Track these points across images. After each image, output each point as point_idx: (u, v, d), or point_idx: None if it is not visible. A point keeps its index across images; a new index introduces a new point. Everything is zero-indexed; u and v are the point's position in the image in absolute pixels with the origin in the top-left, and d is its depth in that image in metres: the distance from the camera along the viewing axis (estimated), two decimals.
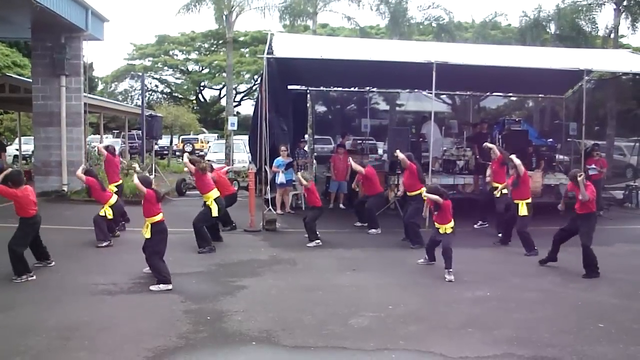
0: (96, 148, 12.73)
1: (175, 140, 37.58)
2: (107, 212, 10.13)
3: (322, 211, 10.95)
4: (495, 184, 11.31)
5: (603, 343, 5.87)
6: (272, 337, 5.89)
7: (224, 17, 24.48)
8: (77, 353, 5.42)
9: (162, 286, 7.49)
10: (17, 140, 25.25)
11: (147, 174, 9.54)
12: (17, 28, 16.88)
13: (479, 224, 12.33)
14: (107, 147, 12.16)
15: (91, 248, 9.89)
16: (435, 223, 8.80)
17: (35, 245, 8.42)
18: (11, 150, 27.16)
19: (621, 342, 5.91)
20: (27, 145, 24.99)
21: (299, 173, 11.70)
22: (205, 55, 50.16)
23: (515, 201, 10.07)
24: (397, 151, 10.98)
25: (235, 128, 19.58)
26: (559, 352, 5.58)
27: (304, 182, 10.73)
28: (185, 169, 11.06)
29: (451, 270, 8.29)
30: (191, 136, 38.47)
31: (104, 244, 9.98)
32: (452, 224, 8.60)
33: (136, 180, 7.88)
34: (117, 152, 12.11)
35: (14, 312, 6.54)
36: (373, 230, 11.64)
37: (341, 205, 15.05)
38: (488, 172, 11.55)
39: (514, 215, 10.19)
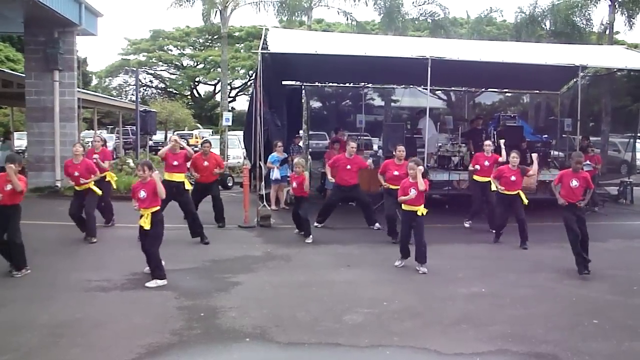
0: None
1: (169, 136, 37.44)
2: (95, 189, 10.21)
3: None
4: (481, 178, 11.40)
5: (598, 339, 5.87)
6: (266, 334, 5.86)
7: (216, 12, 24.40)
8: (70, 350, 5.38)
9: (159, 282, 7.45)
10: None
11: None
12: (10, 22, 16.76)
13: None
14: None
15: (84, 244, 9.84)
16: (408, 206, 8.47)
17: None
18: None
19: (615, 338, 5.90)
20: (21, 141, 24.93)
21: (296, 159, 11.56)
22: (200, 51, 49.99)
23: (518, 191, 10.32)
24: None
25: (230, 124, 19.49)
26: (554, 348, 5.58)
27: (299, 169, 10.61)
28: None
29: (425, 263, 8.41)
30: (186, 132, 38.38)
31: (95, 239, 9.93)
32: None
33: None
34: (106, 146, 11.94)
35: (5, 309, 6.49)
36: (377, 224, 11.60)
37: None
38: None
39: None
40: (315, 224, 11.54)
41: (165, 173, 10.17)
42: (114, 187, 11.75)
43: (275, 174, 13.48)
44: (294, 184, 10.69)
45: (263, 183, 12.74)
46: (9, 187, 7.61)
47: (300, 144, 16.95)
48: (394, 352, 5.51)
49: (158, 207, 7.61)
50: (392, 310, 6.68)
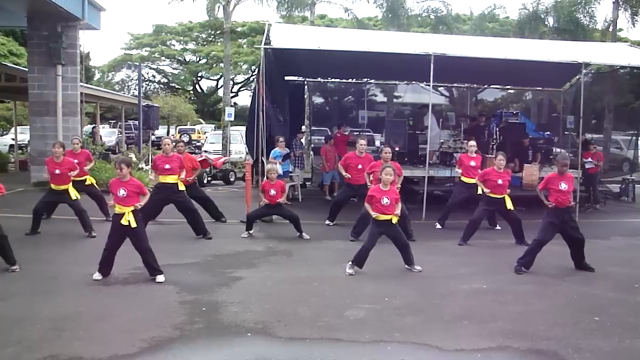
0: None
1: (172, 131, 37.51)
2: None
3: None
4: (468, 180, 11.23)
5: (598, 336, 5.87)
6: (267, 329, 5.87)
7: (219, 7, 24.39)
8: (71, 343, 5.40)
9: (163, 275, 7.48)
10: (13, 130, 25.17)
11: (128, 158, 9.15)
12: (13, 16, 16.77)
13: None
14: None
15: (85, 238, 9.86)
16: (381, 215, 8.02)
17: None
18: (7, 139, 27.14)
19: (616, 335, 5.90)
20: (23, 135, 24.93)
21: (268, 165, 11.38)
22: (202, 46, 49.98)
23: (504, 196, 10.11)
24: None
25: (232, 119, 19.54)
26: (555, 345, 5.58)
27: (273, 175, 10.31)
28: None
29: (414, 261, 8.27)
30: (188, 127, 38.37)
31: (94, 233, 9.95)
32: None
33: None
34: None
35: (7, 303, 6.51)
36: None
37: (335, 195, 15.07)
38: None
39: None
40: (327, 222, 11.57)
41: (159, 176, 10.22)
42: (96, 187, 11.61)
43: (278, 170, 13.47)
44: (272, 192, 10.13)
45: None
46: None
47: (303, 139, 16.95)
48: (395, 348, 5.51)
49: (135, 206, 7.50)
50: (393, 306, 6.68)
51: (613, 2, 23.09)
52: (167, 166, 10.09)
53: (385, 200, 7.96)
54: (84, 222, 10.08)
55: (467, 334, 5.86)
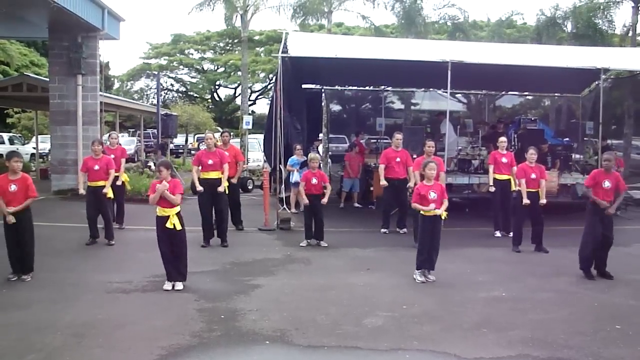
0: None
1: (190, 139, 37.74)
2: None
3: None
4: (501, 177, 11.28)
5: (620, 345, 5.79)
6: (285, 337, 5.88)
7: (237, 16, 24.57)
8: (92, 350, 5.45)
9: (182, 283, 7.51)
10: (34, 139, 25.53)
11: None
12: (35, 28, 17.05)
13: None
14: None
15: (105, 246, 9.96)
16: (429, 210, 7.99)
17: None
18: (28, 148, 27.53)
19: (639, 344, 5.82)
20: (44, 144, 25.28)
21: (310, 154, 11.44)
22: (220, 55, 50.23)
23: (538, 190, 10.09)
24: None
25: (250, 127, 19.64)
26: (575, 354, 5.52)
27: (315, 164, 10.41)
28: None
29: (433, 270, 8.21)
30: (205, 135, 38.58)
31: (113, 242, 10.04)
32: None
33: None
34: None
35: (29, 310, 6.59)
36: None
37: (356, 204, 15.06)
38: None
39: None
40: (383, 230, 11.57)
41: (202, 173, 10.39)
42: (128, 188, 11.86)
43: (295, 177, 13.50)
44: (314, 180, 10.23)
45: (283, 186, 12.78)
46: None
47: (320, 147, 16.97)
48: (414, 356, 5.49)
49: (179, 208, 7.58)
50: (411, 314, 6.66)
51: (632, 7, 22.91)
52: (210, 161, 10.26)
53: (432, 195, 7.99)
54: (108, 230, 10.20)
55: (486, 342, 5.81)
